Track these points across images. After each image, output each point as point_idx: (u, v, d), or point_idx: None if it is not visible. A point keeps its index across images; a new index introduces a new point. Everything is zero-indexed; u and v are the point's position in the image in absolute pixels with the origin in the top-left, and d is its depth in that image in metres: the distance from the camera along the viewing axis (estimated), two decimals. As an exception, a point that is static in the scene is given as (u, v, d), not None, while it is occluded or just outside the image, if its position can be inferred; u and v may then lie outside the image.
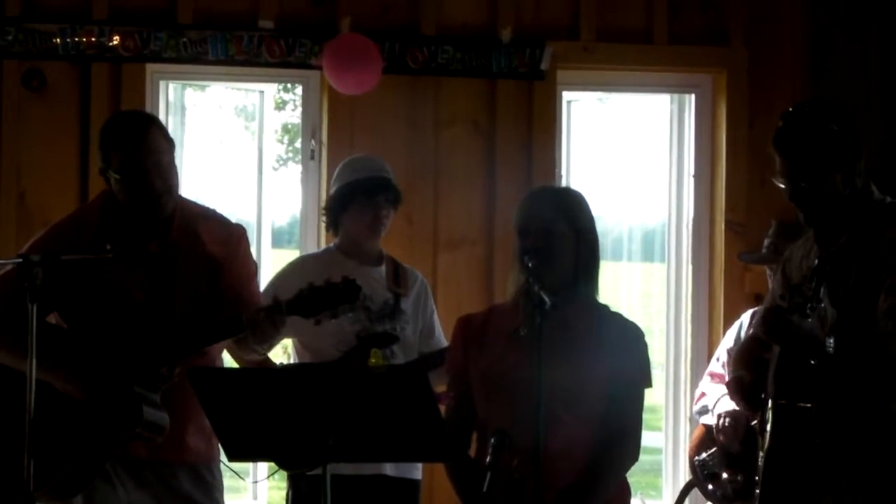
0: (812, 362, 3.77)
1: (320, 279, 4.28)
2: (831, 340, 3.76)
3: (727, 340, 5.82)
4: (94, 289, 4.33)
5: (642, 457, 4.01)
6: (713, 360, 5.90)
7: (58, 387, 4.20)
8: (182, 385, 4.01)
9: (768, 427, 3.91)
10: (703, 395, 5.76)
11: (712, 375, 5.75)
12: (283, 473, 5.10)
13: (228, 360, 5.04)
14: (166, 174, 4.34)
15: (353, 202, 5.21)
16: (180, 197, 4.47)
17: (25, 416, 3.88)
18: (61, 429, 4.20)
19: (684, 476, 6.06)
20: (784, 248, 4.38)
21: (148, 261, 4.35)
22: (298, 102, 7.99)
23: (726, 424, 5.46)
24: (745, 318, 5.70)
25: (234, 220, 4.66)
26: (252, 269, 4.56)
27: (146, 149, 4.30)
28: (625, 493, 4.03)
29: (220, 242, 4.45)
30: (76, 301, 4.35)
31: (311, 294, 4.19)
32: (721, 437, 5.49)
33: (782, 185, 3.96)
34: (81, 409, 4.21)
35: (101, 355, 4.23)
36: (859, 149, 3.94)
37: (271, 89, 7.11)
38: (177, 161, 4.46)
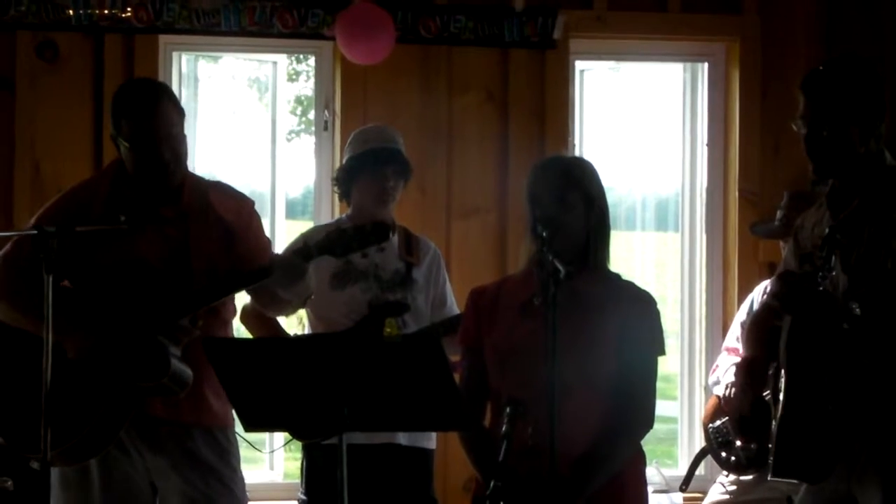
0: (844, 326, 3.77)
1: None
2: (856, 305, 3.76)
3: (740, 314, 5.82)
4: (107, 254, 4.34)
5: (657, 426, 4.02)
6: (728, 334, 5.90)
7: (69, 346, 4.22)
8: (199, 346, 4.03)
9: (781, 395, 3.91)
10: (716, 367, 5.77)
11: (728, 350, 5.76)
12: (299, 444, 5.12)
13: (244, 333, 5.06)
14: (176, 144, 4.37)
15: (361, 173, 5.23)
16: (188, 171, 4.50)
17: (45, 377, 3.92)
18: (81, 390, 4.22)
19: (700, 445, 6.07)
20: (796, 220, 4.38)
21: (161, 226, 4.37)
22: (311, 73, 7.96)
23: (732, 394, 5.47)
24: (757, 292, 5.70)
25: (248, 191, 4.70)
26: (265, 240, 4.59)
27: (157, 118, 4.33)
28: (640, 461, 4.04)
29: (233, 212, 4.48)
30: (89, 270, 4.36)
31: (339, 235, 4.24)
32: (728, 406, 5.49)
33: (801, 130, 3.96)
34: (106, 363, 4.22)
35: (120, 311, 4.24)
36: (882, 112, 3.96)
37: (284, 60, 7.09)
38: (190, 134, 4.49)
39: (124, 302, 4.26)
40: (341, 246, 4.28)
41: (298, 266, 4.31)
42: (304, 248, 4.31)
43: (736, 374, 4.49)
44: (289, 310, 4.74)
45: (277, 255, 4.33)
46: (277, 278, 4.31)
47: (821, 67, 4.04)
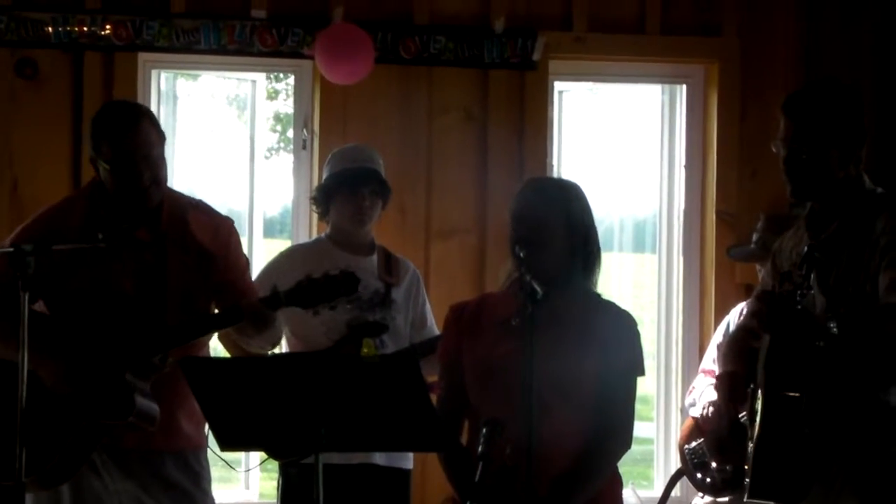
0: (819, 344, 3.77)
1: (312, 269, 4.30)
2: (833, 324, 3.76)
3: (717, 336, 5.81)
4: (82, 278, 4.33)
5: (634, 447, 4.01)
6: (705, 357, 5.90)
7: (43, 375, 4.20)
8: (172, 371, 4.02)
9: (757, 417, 3.91)
10: (692, 389, 5.77)
11: (704, 372, 5.75)
12: (276, 464, 5.11)
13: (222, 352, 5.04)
14: (155, 167, 4.36)
15: (339, 193, 5.23)
16: (168, 188, 4.49)
17: (16, 404, 3.88)
18: (50, 417, 4.19)
19: (675, 467, 6.07)
20: (772, 243, 4.39)
21: (138, 250, 4.36)
22: (290, 92, 7.98)
23: (710, 413, 5.47)
24: (734, 314, 5.70)
25: (225, 209, 4.69)
26: (244, 261, 4.59)
27: (137, 141, 4.32)
28: (616, 483, 4.03)
29: (210, 234, 4.47)
30: (63, 289, 4.35)
31: (309, 286, 4.23)
32: (706, 426, 5.49)
33: (780, 152, 3.97)
34: (72, 397, 4.21)
35: (90, 343, 4.23)
36: (863, 137, 3.97)
37: (263, 78, 7.10)
38: (168, 151, 4.48)
39: (96, 331, 4.24)
40: (311, 297, 4.26)
41: (266, 316, 4.30)
42: (274, 298, 4.29)
43: (717, 388, 4.49)
44: (259, 351, 4.73)
45: (249, 303, 4.31)
46: (245, 325, 4.31)
47: (803, 90, 4.06)
